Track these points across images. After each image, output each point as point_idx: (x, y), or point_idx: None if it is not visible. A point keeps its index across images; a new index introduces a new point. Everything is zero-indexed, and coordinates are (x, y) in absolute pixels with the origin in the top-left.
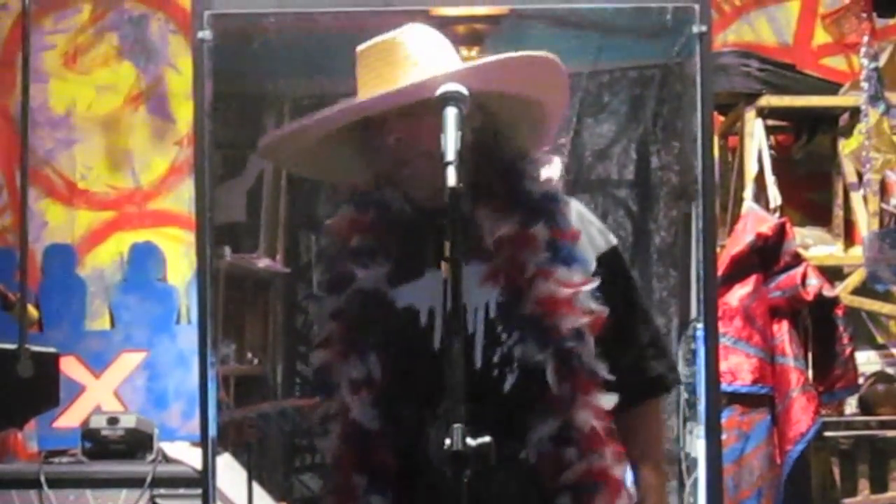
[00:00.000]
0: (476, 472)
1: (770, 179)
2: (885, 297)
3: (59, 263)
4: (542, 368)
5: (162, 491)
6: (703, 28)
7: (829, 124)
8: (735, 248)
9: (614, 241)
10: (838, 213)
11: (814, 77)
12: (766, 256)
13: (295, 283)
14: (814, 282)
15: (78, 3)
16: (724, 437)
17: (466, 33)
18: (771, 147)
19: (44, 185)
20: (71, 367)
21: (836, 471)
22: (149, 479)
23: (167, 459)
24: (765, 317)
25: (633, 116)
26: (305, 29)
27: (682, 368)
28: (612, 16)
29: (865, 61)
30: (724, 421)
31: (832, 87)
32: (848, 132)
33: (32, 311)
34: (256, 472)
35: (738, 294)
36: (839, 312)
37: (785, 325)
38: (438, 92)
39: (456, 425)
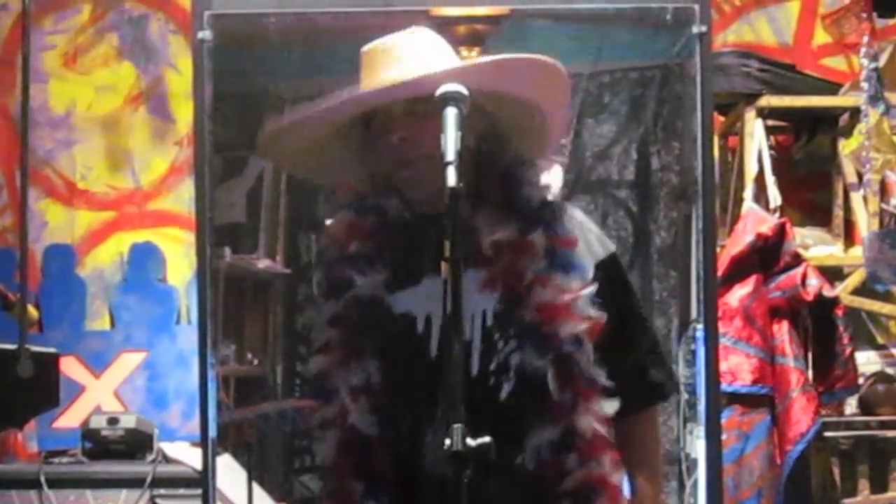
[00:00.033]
0: (475, 478)
1: (770, 179)
2: (885, 297)
3: (59, 264)
4: (540, 375)
5: (162, 491)
6: (703, 28)
7: (829, 124)
8: (735, 248)
9: (613, 248)
10: (838, 213)
11: (814, 77)
12: (766, 257)
13: (295, 284)
14: (814, 282)
15: (78, 3)
16: (724, 437)
17: (467, 34)
18: (771, 147)
19: (44, 186)
20: (71, 368)
21: (836, 471)
22: (149, 480)
23: (167, 460)
24: (765, 317)
25: (633, 117)
26: (305, 29)
27: (682, 369)
28: (612, 16)
29: (865, 61)
30: (724, 421)
31: (832, 88)
32: (848, 132)
33: (32, 311)
34: (256, 473)
35: (738, 294)
36: (839, 313)
37: (785, 325)
38: (439, 92)
39: (456, 425)
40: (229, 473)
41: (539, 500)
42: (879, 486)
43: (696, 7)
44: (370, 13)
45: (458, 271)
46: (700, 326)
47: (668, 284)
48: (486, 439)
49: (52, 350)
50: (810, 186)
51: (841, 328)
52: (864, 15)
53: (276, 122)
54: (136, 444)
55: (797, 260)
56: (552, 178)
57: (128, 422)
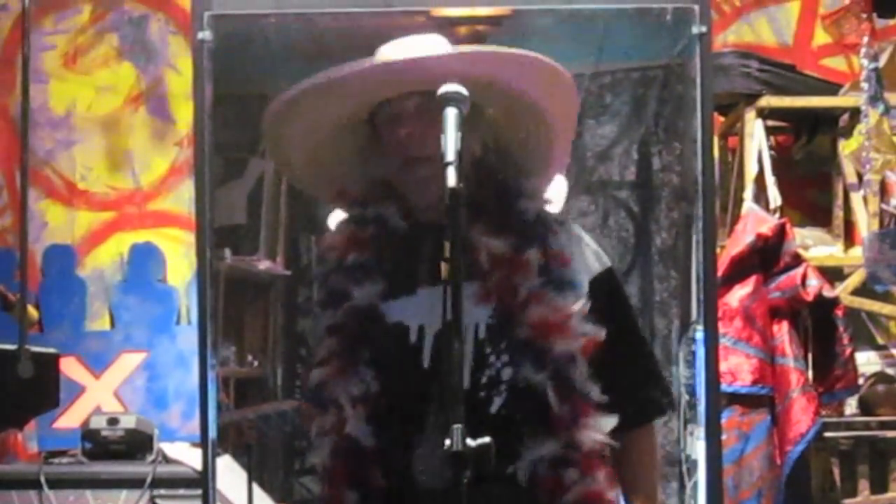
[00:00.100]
0: (468, 491)
1: (770, 180)
2: (885, 297)
3: (59, 264)
4: (532, 390)
5: (162, 492)
6: (703, 29)
7: (829, 125)
8: (735, 248)
9: (609, 263)
10: (838, 213)
11: (814, 77)
12: (766, 257)
13: (295, 286)
14: (814, 282)
15: (78, 3)
16: (724, 437)
17: (467, 34)
18: (771, 147)
19: (44, 186)
20: (71, 368)
21: (836, 471)
22: (149, 480)
23: (167, 460)
24: (765, 317)
25: (634, 117)
26: (306, 30)
27: (682, 370)
28: (612, 16)
29: (865, 62)
30: (724, 421)
31: (832, 88)
32: (848, 133)
33: (32, 311)
34: (256, 474)
35: (739, 295)
36: (839, 313)
37: (785, 325)
38: (439, 92)
39: (455, 426)
40: (229, 474)
41: None
42: (879, 486)
43: (696, 7)
44: (370, 13)
45: (457, 272)
46: (700, 327)
47: (669, 285)
48: (487, 440)
49: (52, 350)
50: (810, 187)
51: (841, 328)
52: (864, 15)
53: (281, 96)
54: (136, 444)
55: (797, 260)
56: (554, 191)
57: (128, 422)
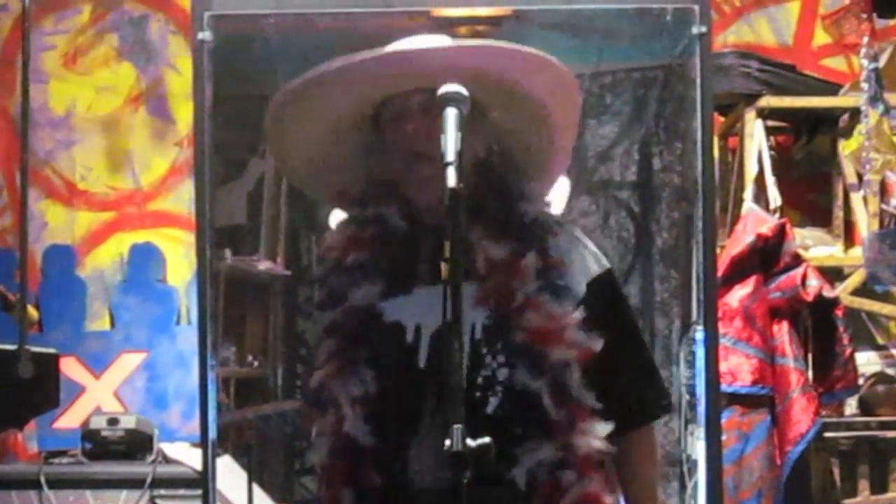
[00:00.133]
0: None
1: (770, 180)
2: (885, 297)
3: (59, 264)
4: (526, 393)
5: (162, 492)
6: (703, 29)
7: (829, 125)
8: (735, 248)
9: (608, 265)
10: (838, 213)
11: (814, 78)
12: (767, 257)
13: (295, 286)
14: (814, 282)
15: (78, 3)
16: (724, 437)
17: (467, 34)
18: (771, 148)
19: (44, 186)
20: (71, 368)
21: (836, 471)
22: (149, 480)
23: (167, 460)
24: (765, 317)
25: (634, 118)
26: (306, 30)
27: (683, 370)
28: (613, 17)
29: (865, 62)
30: (724, 422)
31: (832, 88)
32: (848, 133)
33: (32, 311)
34: (256, 474)
35: (739, 295)
36: (839, 313)
37: (785, 325)
38: (439, 92)
39: (456, 426)
40: (229, 474)
41: None
42: (879, 486)
43: (696, 7)
44: (370, 13)
45: (458, 272)
46: (700, 327)
47: (669, 285)
48: (487, 440)
49: (52, 350)
50: (810, 187)
51: (841, 329)
52: (864, 15)
53: (285, 87)
54: (136, 444)
55: (797, 260)
56: (556, 192)
57: (128, 422)
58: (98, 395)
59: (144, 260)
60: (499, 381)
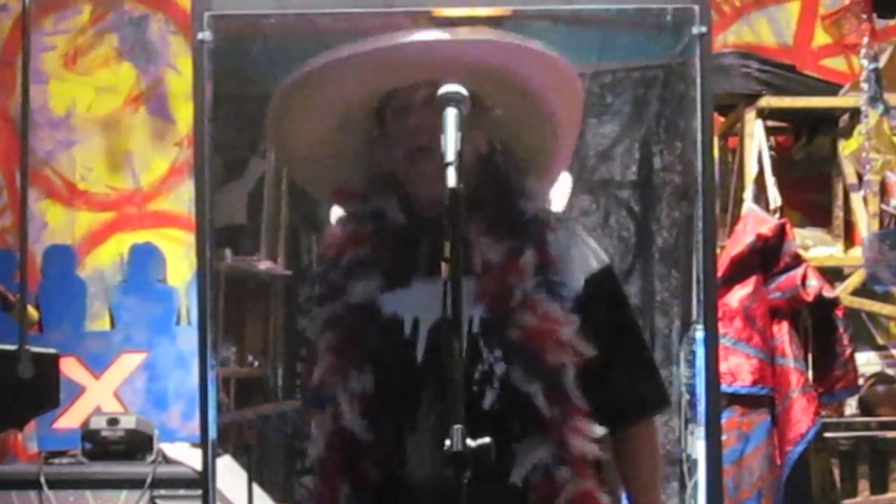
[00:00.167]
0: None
1: (770, 180)
2: (885, 298)
3: (59, 264)
4: (522, 392)
5: (162, 492)
6: (703, 29)
7: (829, 125)
8: (735, 249)
9: (607, 261)
10: (838, 214)
11: (814, 78)
12: (767, 257)
13: (296, 286)
14: (814, 283)
15: (78, 3)
16: (724, 438)
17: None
18: (771, 148)
19: (44, 186)
20: (71, 368)
21: (836, 472)
22: (149, 480)
23: (167, 460)
24: (765, 318)
25: (635, 117)
26: (306, 30)
27: (683, 369)
28: (612, 17)
29: (865, 62)
30: (724, 422)
31: (832, 88)
32: (848, 133)
33: (32, 312)
34: (256, 474)
35: (739, 295)
36: (839, 313)
37: (785, 325)
38: (440, 92)
39: (456, 426)
40: (229, 474)
41: None
42: (879, 486)
43: (696, 7)
44: (370, 13)
45: (457, 272)
46: (700, 327)
47: (669, 285)
48: (487, 440)
49: (52, 351)
50: (810, 187)
51: (841, 329)
52: (864, 16)
53: (289, 79)
54: (136, 444)
55: (797, 261)
56: (558, 189)
57: (128, 422)
58: (98, 396)
59: (144, 260)
60: (495, 378)
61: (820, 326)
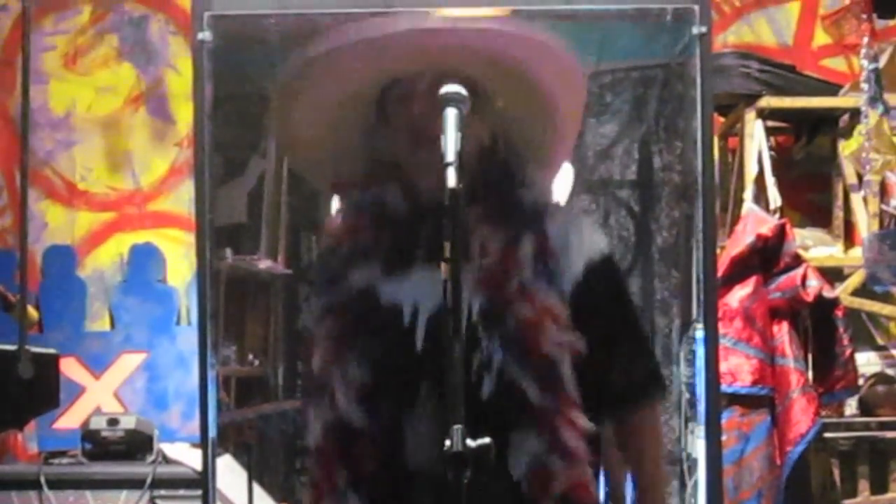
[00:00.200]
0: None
1: (770, 180)
2: (885, 298)
3: (59, 265)
4: (516, 382)
5: (162, 492)
6: (703, 29)
7: (829, 125)
8: (735, 249)
9: (607, 249)
10: (838, 214)
11: (814, 78)
12: (767, 257)
13: (296, 285)
14: (814, 283)
15: (78, 4)
16: (724, 438)
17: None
18: (771, 148)
19: (44, 187)
20: (71, 369)
21: (836, 472)
22: (149, 481)
23: (167, 460)
24: (765, 318)
25: (635, 117)
26: (306, 30)
27: (683, 369)
28: (612, 17)
29: (865, 62)
30: (723, 422)
31: (832, 89)
32: (848, 133)
33: (32, 312)
34: (257, 474)
35: (739, 295)
36: (839, 314)
37: (785, 326)
38: (439, 93)
39: (456, 426)
40: (229, 474)
41: None
42: (879, 487)
43: (696, 7)
44: (370, 13)
45: (457, 272)
46: (700, 327)
47: (669, 284)
48: (487, 440)
49: (52, 351)
50: (810, 187)
51: (841, 329)
52: (864, 16)
53: (301, 55)
54: (136, 444)
55: (797, 261)
56: (560, 180)
57: (128, 423)
58: (98, 396)
59: (144, 260)
60: (492, 366)
61: (820, 327)
